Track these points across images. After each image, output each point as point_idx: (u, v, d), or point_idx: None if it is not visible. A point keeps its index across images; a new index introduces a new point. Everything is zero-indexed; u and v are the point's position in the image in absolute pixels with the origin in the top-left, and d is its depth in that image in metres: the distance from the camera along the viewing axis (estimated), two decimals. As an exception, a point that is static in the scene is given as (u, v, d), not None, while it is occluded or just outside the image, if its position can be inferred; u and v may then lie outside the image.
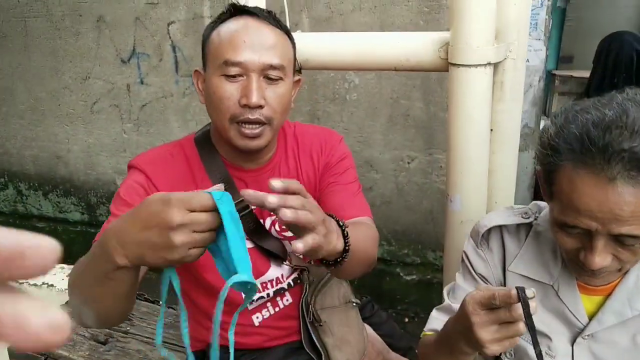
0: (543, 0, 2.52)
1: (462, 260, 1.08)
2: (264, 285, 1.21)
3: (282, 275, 1.23)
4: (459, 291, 1.07)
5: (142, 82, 3.18)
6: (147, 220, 0.68)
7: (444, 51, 1.27)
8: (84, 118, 3.38)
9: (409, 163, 2.83)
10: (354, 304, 1.35)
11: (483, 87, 1.23)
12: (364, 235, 1.05)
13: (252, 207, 1.13)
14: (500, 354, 1.01)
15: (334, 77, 2.81)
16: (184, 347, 1.38)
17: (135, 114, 3.26)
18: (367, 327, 1.48)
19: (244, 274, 0.67)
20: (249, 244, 1.17)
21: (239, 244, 0.69)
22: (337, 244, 0.83)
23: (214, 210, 0.68)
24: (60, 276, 1.89)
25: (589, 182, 0.74)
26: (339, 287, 1.34)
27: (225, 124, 1.03)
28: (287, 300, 1.25)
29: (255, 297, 1.18)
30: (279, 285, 1.24)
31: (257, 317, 1.24)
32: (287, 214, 0.70)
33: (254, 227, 1.16)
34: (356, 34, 1.52)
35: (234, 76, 1.01)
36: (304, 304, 1.25)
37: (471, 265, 1.05)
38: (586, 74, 7.97)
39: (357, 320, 1.35)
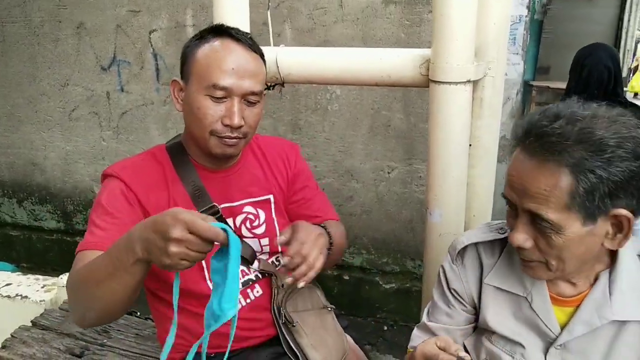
0: (521, 16, 2.58)
1: (439, 274, 1.10)
2: None
3: (247, 268, 1.27)
4: (435, 310, 1.11)
5: (122, 90, 3.15)
6: (157, 225, 0.83)
7: (424, 68, 1.30)
8: (62, 125, 3.33)
9: (389, 173, 2.85)
10: (329, 309, 1.37)
11: (463, 104, 1.26)
12: (341, 234, 1.33)
13: (220, 208, 1.21)
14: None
15: (316, 87, 2.83)
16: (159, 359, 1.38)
17: (114, 122, 3.22)
18: (347, 336, 1.50)
19: (230, 311, 0.85)
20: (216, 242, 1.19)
21: (234, 282, 0.84)
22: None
23: (211, 241, 0.83)
24: (34, 287, 1.86)
25: (517, 157, 0.85)
26: (311, 293, 1.36)
27: (206, 136, 1.15)
28: (258, 291, 1.28)
29: None
30: (246, 277, 1.27)
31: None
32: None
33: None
34: (339, 49, 1.54)
35: (219, 97, 1.11)
36: (274, 307, 1.27)
37: (446, 280, 1.09)
38: (562, 84, 8.11)
39: (333, 324, 1.37)
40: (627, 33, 7.97)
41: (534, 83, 8.57)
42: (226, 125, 1.12)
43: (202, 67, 1.12)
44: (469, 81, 1.24)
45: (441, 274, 1.09)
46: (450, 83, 1.23)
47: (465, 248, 1.06)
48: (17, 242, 3.70)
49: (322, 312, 1.38)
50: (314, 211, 1.35)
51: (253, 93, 1.13)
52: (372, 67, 1.37)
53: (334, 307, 1.43)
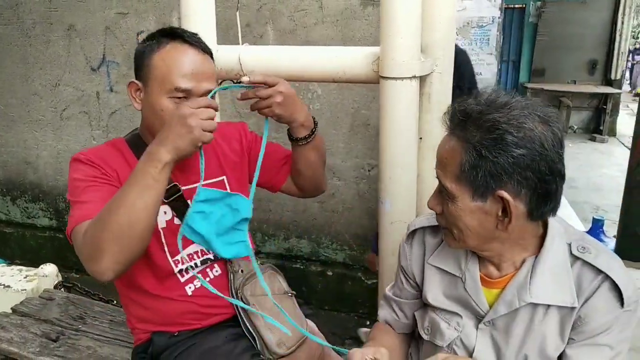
0: (494, 17, 2.66)
1: (399, 253, 1.21)
2: (190, 256, 1.33)
3: (206, 248, 1.35)
4: (394, 283, 1.24)
5: (111, 90, 3.24)
6: (171, 121, 1.05)
7: (376, 65, 1.37)
8: (54, 124, 3.42)
9: (369, 171, 2.92)
10: (290, 295, 1.45)
11: (410, 98, 1.33)
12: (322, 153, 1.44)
13: (182, 190, 1.30)
14: (420, 330, 1.14)
15: (298, 87, 2.91)
16: (131, 344, 1.46)
17: (104, 121, 3.31)
18: (310, 322, 1.57)
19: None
20: (177, 222, 1.30)
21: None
22: (306, 114, 1.31)
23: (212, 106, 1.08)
24: (17, 278, 1.94)
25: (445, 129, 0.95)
26: (272, 279, 1.44)
27: None
28: (217, 271, 1.37)
29: (184, 267, 1.32)
30: (205, 256, 1.35)
31: (190, 287, 1.34)
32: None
33: (184, 209, 1.27)
34: (298, 47, 1.61)
35: (180, 98, 1.20)
36: (232, 291, 1.35)
37: (399, 258, 1.20)
38: (557, 86, 8.29)
39: (293, 309, 1.44)
40: (620, 35, 8.05)
41: (529, 85, 8.63)
42: None
43: (161, 71, 1.19)
44: (414, 77, 1.31)
45: (399, 253, 1.20)
46: (397, 78, 1.30)
47: (415, 231, 1.15)
48: (11, 239, 3.79)
49: (282, 297, 1.45)
50: (281, 149, 1.50)
51: (208, 91, 1.22)
52: (329, 65, 1.45)
53: (294, 292, 1.52)
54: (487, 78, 2.63)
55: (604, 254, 0.96)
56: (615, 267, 0.94)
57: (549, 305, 0.96)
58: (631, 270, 1.28)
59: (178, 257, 1.31)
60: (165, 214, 1.30)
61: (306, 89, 2.90)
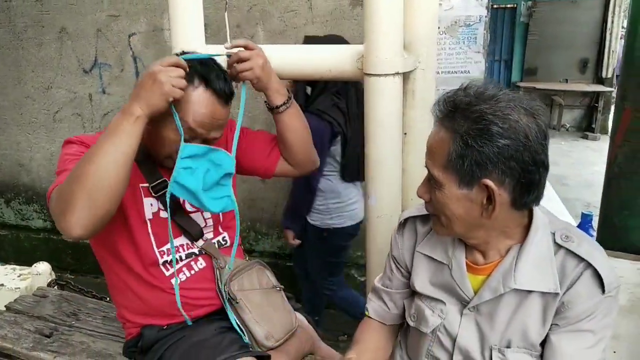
0: (481, 16, 2.69)
1: (390, 244, 1.25)
2: (176, 248, 1.36)
3: (191, 242, 1.38)
4: (383, 275, 1.27)
5: (104, 92, 3.27)
6: (144, 78, 1.12)
7: (360, 62, 1.40)
8: (47, 126, 3.44)
9: (360, 169, 2.96)
10: (278, 289, 1.48)
11: (393, 94, 1.36)
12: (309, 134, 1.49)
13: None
14: (407, 317, 1.18)
15: (288, 86, 2.94)
16: (124, 338, 1.48)
17: (97, 123, 3.33)
18: (300, 315, 1.60)
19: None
20: (164, 215, 1.33)
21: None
22: (279, 80, 1.40)
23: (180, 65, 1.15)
24: (11, 276, 1.96)
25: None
26: (260, 274, 1.46)
27: (161, 157, 1.30)
28: (201, 263, 1.39)
29: (168, 259, 1.35)
30: (190, 250, 1.38)
31: (176, 279, 1.36)
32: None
33: (172, 205, 1.29)
34: (285, 46, 1.65)
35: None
36: (219, 286, 1.38)
37: (390, 248, 1.23)
38: (549, 85, 8.35)
39: (282, 302, 1.47)
40: (611, 34, 8.13)
41: (521, 84, 8.69)
42: None
43: (181, 109, 1.20)
44: (397, 73, 1.34)
45: (390, 243, 1.23)
46: (380, 75, 1.34)
47: (406, 220, 1.19)
48: (5, 241, 3.80)
49: (270, 292, 1.48)
50: (268, 136, 1.53)
51: (215, 139, 1.28)
52: (316, 63, 1.48)
53: (282, 287, 1.55)
54: (475, 76, 2.66)
55: (586, 243, 0.99)
56: (597, 255, 0.97)
57: (532, 292, 0.99)
58: (611, 260, 1.32)
59: (164, 248, 1.34)
60: (152, 206, 1.33)
61: (297, 88, 2.93)
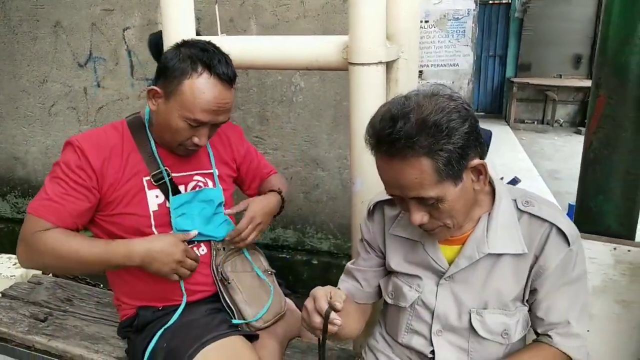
0: (469, 10, 2.74)
1: (360, 229, 1.28)
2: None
3: (204, 239, 1.44)
4: (357, 257, 1.30)
5: (98, 85, 3.30)
6: (164, 248, 1.31)
7: (345, 52, 1.44)
8: (42, 120, 3.48)
9: (352, 161, 3.00)
10: (270, 272, 1.53)
11: (377, 83, 1.40)
12: (284, 184, 1.67)
13: (172, 176, 1.39)
14: (385, 296, 1.23)
15: (281, 80, 2.98)
16: (117, 322, 1.53)
17: (92, 116, 3.37)
18: (289, 300, 1.65)
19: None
20: (167, 204, 1.40)
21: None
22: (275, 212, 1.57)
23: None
24: (6, 265, 2.00)
25: (382, 164, 0.99)
26: (253, 258, 1.52)
27: (174, 144, 1.36)
28: (203, 250, 1.45)
29: None
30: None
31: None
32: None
33: (174, 192, 1.39)
34: (274, 37, 1.68)
35: (194, 125, 1.30)
36: (213, 266, 1.42)
37: (362, 233, 1.28)
38: (543, 81, 8.40)
39: (272, 285, 1.52)
40: (604, 30, 8.17)
41: (515, 80, 8.73)
42: (195, 144, 1.33)
43: (187, 99, 1.26)
44: (381, 62, 1.38)
45: (360, 229, 1.29)
46: (364, 64, 1.38)
47: (374, 206, 1.24)
48: (1, 234, 3.83)
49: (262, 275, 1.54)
50: (262, 168, 1.68)
51: (223, 122, 1.34)
52: (302, 53, 1.52)
53: (274, 271, 1.60)
54: (465, 69, 2.71)
55: (545, 206, 1.09)
56: (557, 215, 1.07)
57: (503, 255, 1.07)
58: (586, 242, 1.37)
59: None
60: (157, 198, 1.37)
61: (289, 82, 2.97)
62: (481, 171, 1.00)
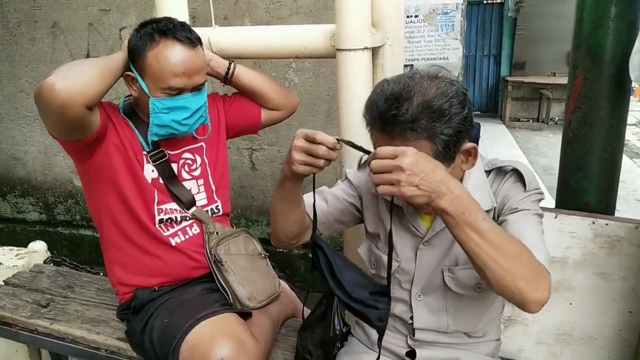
0: (458, 4, 2.80)
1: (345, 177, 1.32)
2: (170, 210, 1.46)
3: (185, 209, 1.48)
4: (334, 189, 1.32)
5: (96, 85, 3.35)
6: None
7: (333, 40, 1.50)
8: (41, 120, 3.51)
9: (345, 155, 3.05)
10: (264, 256, 1.58)
11: (363, 68, 1.46)
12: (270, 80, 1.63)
13: (167, 155, 1.45)
14: (368, 267, 1.28)
15: (275, 76, 3.03)
16: (116, 306, 1.58)
17: (90, 115, 3.42)
18: (283, 283, 1.70)
19: None
20: (161, 181, 1.45)
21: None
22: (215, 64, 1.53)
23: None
24: (8, 256, 2.05)
25: (382, 139, 1.01)
26: (247, 242, 1.57)
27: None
28: (195, 230, 1.50)
29: (164, 217, 1.46)
30: (183, 214, 1.48)
31: (173, 239, 1.47)
32: None
33: (169, 173, 1.44)
34: (262, 27, 1.75)
35: (173, 94, 1.34)
36: (207, 249, 1.47)
37: (347, 174, 1.32)
38: (537, 79, 8.47)
39: (266, 268, 1.58)
40: (597, 27, 8.25)
41: (510, 78, 8.80)
42: None
43: (155, 71, 1.31)
44: (366, 48, 1.45)
45: (345, 175, 1.33)
46: (350, 50, 1.44)
47: (365, 162, 1.26)
48: (1, 234, 3.87)
49: (255, 258, 1.59)
50: (240, 100, 1.64)
51: (201, 84, 1.37)
52: (291, 41, 1.58)
53: (268, 254, 1.65)
54: (454, 62, 2.77)
55: (509, 161, 1.16)
56: (519, 164, 1.13)
57: None
58: (566, 217, 1.42)
59: (162, 207, 1.44)
60: (153, 172, 1.44)
61: (283, 78, 3.03)
62: (471, 153, 1.07)
